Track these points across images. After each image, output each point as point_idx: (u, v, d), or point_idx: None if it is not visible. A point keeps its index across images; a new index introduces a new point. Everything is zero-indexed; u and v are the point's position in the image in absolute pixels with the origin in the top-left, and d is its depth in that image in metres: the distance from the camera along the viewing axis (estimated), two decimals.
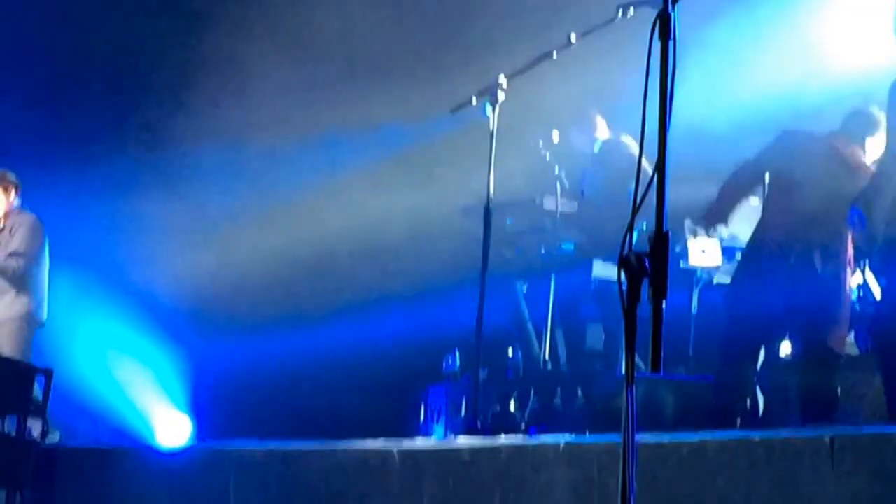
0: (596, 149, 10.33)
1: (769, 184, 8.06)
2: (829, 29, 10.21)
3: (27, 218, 10.58)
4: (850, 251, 7.68)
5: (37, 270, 10.51)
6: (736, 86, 10.32)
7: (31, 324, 10.46)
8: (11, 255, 10.35)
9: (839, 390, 7.85)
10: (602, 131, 10.31)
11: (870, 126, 7.78)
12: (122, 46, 13.14)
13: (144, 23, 13.07)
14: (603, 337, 10.21)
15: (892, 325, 6.78)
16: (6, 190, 10.59)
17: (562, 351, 10.65)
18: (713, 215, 8.51)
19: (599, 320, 10.26)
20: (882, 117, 7.52)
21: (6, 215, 10.54)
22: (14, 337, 10.31)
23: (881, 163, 7.13)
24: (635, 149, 9.94)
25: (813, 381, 7.69)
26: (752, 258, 7.95)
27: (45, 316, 10.58)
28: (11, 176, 10.65)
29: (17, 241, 10.39)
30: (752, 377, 8.04)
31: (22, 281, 10.40)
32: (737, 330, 7.85)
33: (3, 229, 10.48)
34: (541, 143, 10.42)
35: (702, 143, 9.22)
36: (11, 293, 10.39)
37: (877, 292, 8.64)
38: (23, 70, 12.81)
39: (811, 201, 7.62)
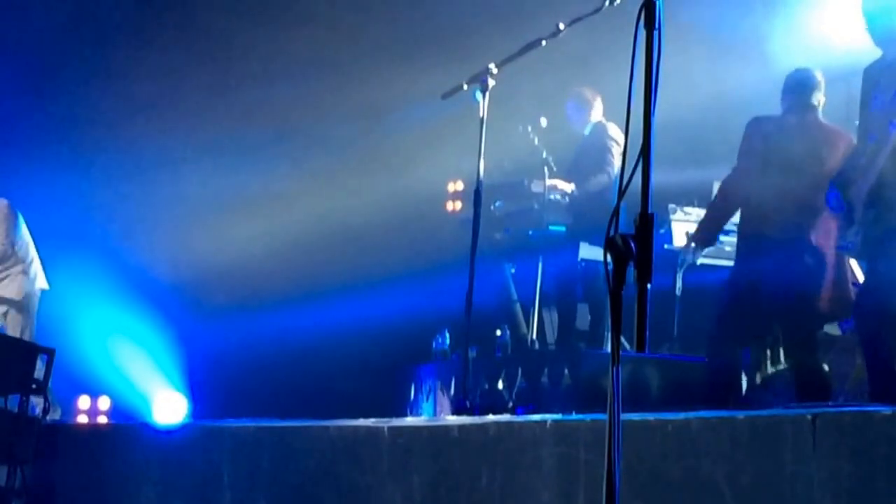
0: (587, 131, 10.39)
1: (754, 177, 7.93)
2: (817, 15, 10.26)
3: None
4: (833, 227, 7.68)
5: (22, 248, 10.66)
6: (723, 71, 10.39)
7: (33, 299, 10.68)
8: None
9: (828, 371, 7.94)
10: (597, 114, 10.35)
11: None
12: (112, 28, 13.18)
13: (133, 7, 13.12)
14: (589, 317, 10.30)
15: (874, 307, 6.85)
16: None
17: (549, 331, 10.75)
18: (701, 238, 8.48)
19: (586, 301, 10.35)
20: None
21: None
22: (19, 319, 10.52)
23: (858, 143, 7.15)
24: (616, 136, 10.02)
25: (804, 363, 7.75)
26: (750, 252, 7.79)
27: (45, 283, 10.77)
28: None
29: None
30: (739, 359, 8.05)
31: (12, 263, 10.57)
32: (732, 320, 7.79)
33: None
34: (529, 128, 10.51)
35: (688, 127, 9.28)
36: (9, 276, 10.57)
37: (859, 275, 8.69)
38: (12, 56, 12.82)
39: (796, 183, 7.60)
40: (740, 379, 7.93)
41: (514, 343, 10.60)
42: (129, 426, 9.56)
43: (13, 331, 10.44)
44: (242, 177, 12.78)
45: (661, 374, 9.08)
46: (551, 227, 10.38)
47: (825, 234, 7.62)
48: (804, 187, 7.60)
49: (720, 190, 8.20)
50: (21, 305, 10.61)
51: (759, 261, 7.62)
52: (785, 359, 8.29)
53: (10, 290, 10.58)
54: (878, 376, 6.87)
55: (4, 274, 10.58)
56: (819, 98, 7.84)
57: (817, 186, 7.52)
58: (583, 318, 10.43)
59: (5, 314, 10.59)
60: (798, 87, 7.85)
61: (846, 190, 6.97)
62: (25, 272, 10.65)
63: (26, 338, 10.31)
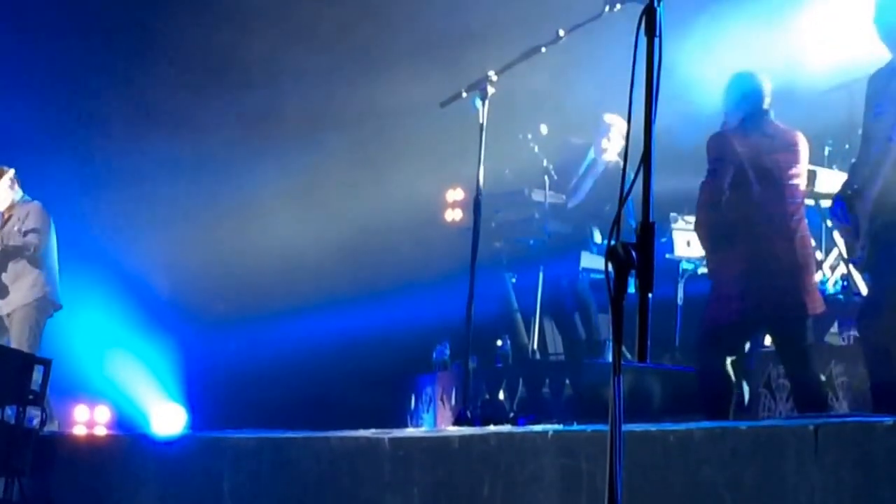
0: (604, 165, 10.19)
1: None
2: (811, 23, 10.26)
3: (34, 205, 10.81)
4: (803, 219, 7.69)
5: (48, 254, 10.72)
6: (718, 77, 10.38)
7: (45, 308, 10.72)
8: (28, 232, 10.61)
9: (825, 379, 7.91)
10: (613, 153, 10.17)
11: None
12: (113, 35, 13.19)
13: (136, 15, 13.12)
14: (590, 327, 10.28)
15: (879, 316, 6.82)
16: (6, 184, 10.79)
17: (550, 340, 10.72)
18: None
19: (587, 311, 10.32)
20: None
21: (11, 206, 10.77)
22: (26, 321, 10.53)
23: (861, 151, 7.10)
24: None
25: (800, 372, 7.72)
26: (727, 262, 7.75)
27: (59, 299, 10.78)
28: (7, 170, 10.83)
29: (31, 222, 10.68)
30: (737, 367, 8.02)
31: (37, 264, 10.63)
32: (715, 330, 7.74)
33: (9, 219, 10.71)
34: (529, 136, 10.48)
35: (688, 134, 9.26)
36: (29, 278, 10.65)
37: (861, 286, 8.66)
38: (19, 64, 12.84)
39: (766, 192, 7.58)
40: (730, 387, 7.86)
41: (514, 353, 10.59)
42: (127, 437, 9.56)
43: (17, 332, 10.44)
44: (241, 187, 12.79)
45: (663, 383, 9.06)
46: (551, 236, 10.36)
47: (802, 241, 7.61)
48: (774, 195, 7.57)
49: (700, 206, 7.95)
50: (29, 310, 10.61)
51: (736, 270, 7.58)
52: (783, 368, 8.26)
53: (28, 293, 10.61)
54: (882, 386, 6.85)
55: (30, 275, 10.62)
56: (769, 101, 7.80)
57: (785, 192, 7.53)
58: (584, 327, 10.41)
59: (10, 315, 10.61)
60: (751, 94, 7.80)
61: (853, 203, 6.93)
62: (48, 279, 10.69)
63: (28, 344, 10.30)
